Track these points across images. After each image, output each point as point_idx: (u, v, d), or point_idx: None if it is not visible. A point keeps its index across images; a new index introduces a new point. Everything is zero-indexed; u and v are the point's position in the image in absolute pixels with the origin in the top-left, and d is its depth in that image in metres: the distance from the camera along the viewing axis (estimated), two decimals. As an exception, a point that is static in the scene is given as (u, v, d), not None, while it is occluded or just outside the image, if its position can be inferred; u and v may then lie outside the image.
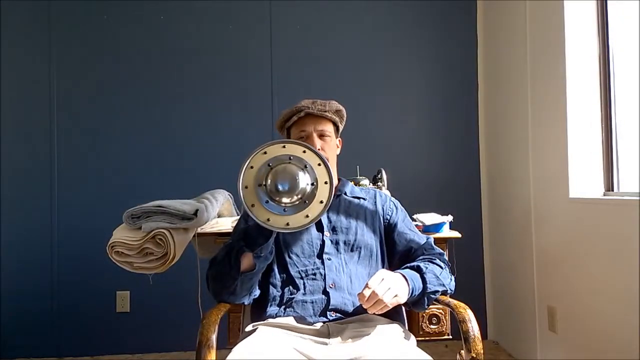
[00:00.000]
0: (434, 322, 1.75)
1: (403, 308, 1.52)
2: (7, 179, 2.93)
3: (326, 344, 1.32)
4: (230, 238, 1.55)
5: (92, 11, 3.01)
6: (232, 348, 1.26)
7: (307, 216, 1.30)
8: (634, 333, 1.81)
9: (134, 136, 3.00)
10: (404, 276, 1.34)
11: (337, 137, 1.64)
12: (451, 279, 1.46)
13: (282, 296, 1.44)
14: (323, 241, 1.50)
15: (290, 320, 1.39)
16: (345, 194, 1.61)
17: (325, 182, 1.32)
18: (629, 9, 2.09)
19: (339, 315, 1.40)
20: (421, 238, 1.56)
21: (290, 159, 1.32)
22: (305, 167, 1.32)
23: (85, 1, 3.00)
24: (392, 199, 1.67)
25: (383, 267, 1.53)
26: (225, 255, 1.39)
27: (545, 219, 2.45)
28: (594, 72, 2.23)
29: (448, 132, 3.13)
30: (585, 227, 2.13)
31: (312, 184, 1.31)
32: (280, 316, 1.41)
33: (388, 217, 1.59)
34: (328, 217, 1.54)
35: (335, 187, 1.57)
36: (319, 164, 1.33)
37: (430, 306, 1.47)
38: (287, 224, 1.29)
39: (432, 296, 1.39)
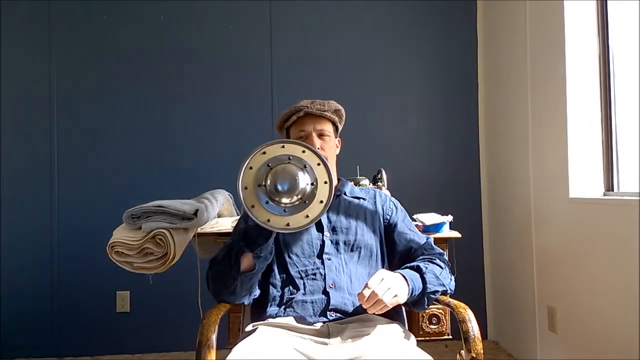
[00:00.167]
0: (434, 322, 1.75)
1: (403, 308, 1.52)
2: (7, 179, 2.93)
3: (326, 344, 1.32)
4: (230, 238, 1.55)
5: (92, 11, 3.01)
6: (232, 348, 1.26)
7: (308, 216, 1.29)
8: (634, 333, 1.81)
9: (134, 136, 3.01)
10: (403, 276, 1.34)
11: (336, 137, 1.64)
12: (451, 279, 1.46)
13: (282, 296, 1.44)
14: (323, 241, 1.50)
15: (290, 320, 1.39)
16: (345, 194, 1.61)
17: (325, 182, 1.31)
18: (629, 9, 2.09)
19: (338, 315, 1.40)
20: (421, 238, 1.56)
21: (289, 159, 1.31)
22: (305, 167, 1.31)
23: (85, 1, 3.01)
24: (392, 199, 1.67)
25: (383, 267, 1.53)
26: (225, 256, 1.39)
27: (545, 219, 2.45)
28: (594, 72, 2.23)
29: (448, 132, 3.13)
30: (585, 227, 2.13)
31: (312, 184, 1.31)
32: (280, 316, 1.41)
33: (388, 217, 1.59)
34: (328, 217, 1.54)
35: (335, 187, 1.57)
36: (319, 164, 1.32)
37: (430, 306, 1.47)
38: (288, 225, 1.29)
39: (432, 296, 1.39)
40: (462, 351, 1.31)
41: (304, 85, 3.05)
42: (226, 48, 3.06)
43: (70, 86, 2.99)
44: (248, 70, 3.06)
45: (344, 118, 1.65)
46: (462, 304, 1.38)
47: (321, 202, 1.31)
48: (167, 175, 2.98)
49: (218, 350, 1.27)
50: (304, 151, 1.33)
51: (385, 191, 1.95)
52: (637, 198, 1.83)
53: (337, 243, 1.50)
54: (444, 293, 1.42)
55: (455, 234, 1.87)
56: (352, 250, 1.50)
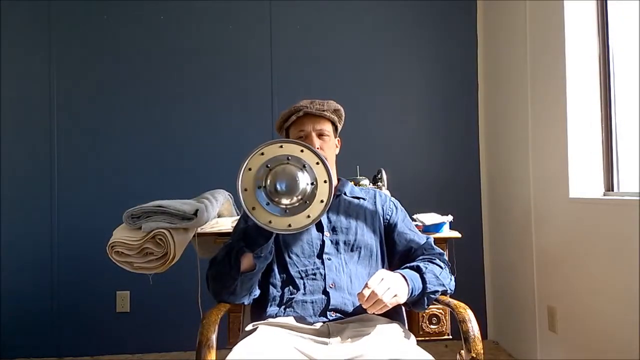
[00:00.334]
0: (434, 322, 1.75)
1: (403, 308, 1.52)
2: (7, 179, 2.93)
3: (326, 343, 1.32)
4: (230, 238, 1.55)
5: (92, 11, 3.01)
6: (232, 348, 1.26)
7: (309, 216, 1.29)
8: (634, 333, 1.81)
9: (134, 136, 3.01)
10: (403, 276, 1.34)
11: (335, 137, 1.64)
12: (451, 279, 1.46)
13: (282, 296, 1.44)
14: (323, 241, 1.50)
15: (290, 320, 1.39)
16: (345, 194, 1.61)
17: (325, 181, 1.31)
18: (629, 9, 2.09)
19: (338, 315, 1.40)
20: (421, 238, 1.56)
21: (288, 159, 1.30)
22: (304, 166, 1.31)
23: (85, 1, 3.01)
24: (392, 199, 1.67)
25: (383, 267, 1.53)
26: (225, 256, 1.39)
27: (545, 219, 2.45)
28: (594, 72, 2.23)
29: (448, 132, 3.13)
30: (585, 227, 2.13)
31: (312, 184, 1.30)
32: (280, 316, 1.41)
33: (388, 217, 1.59)
34: (328, 218, 1.53)
35: (335, 187, 1.57)
36: (317, 163, 1.32)
37: (430, 306, 1.47)
38: (289, 226, 1.28)
39: (432, 296, 1.39)
40: (462, 351, 1.31)
41: (304, 85, 3.05)
42: (226, 48, 3.06)
43: (70, 86, 2.99)
44: (248, 70, 3.06)
45: (343, 118, 1.65)
46: (462, 304, 1.38)
47: (322, 201, 1.30)
48: (167, 175, 2.98)
49: (218, 350, 1.27)
50: (302, 150, 1.32)
51: (385, 191, 1.95)
52: (637, 198, 1.83)
53: (337, 243, 1.50)
54: (444, 293, 1.42)
55: (455, 234, 1.87)
56: (352, 250, 1.50)
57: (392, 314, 1.43)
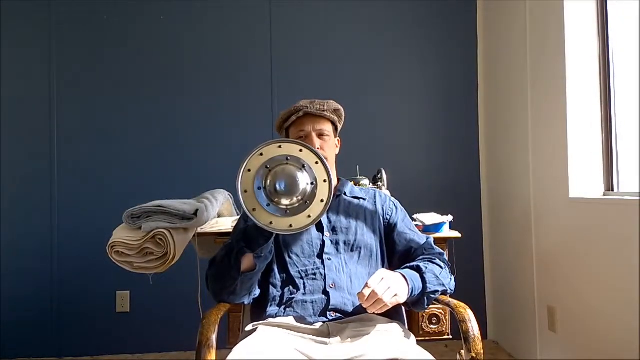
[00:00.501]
0: (434, 322, 1.75)
1: (403, 308, 1.52)
2: (7, 178, 2.93)
3: (326, 343, 1.32)
4: (230, 238, 1.54)
5: (92, 11, 3.01)
6: (232, 348, 1.26)
7: (309, 216, 1.29)
8: (634, 333, 1.81)
9: (134, 136, 3.01)
10: (403, 276, 1.34)
11: (335, 137, 1.64)
12: (451, 279, 1.46)
13: (282, 296, 1.44)
14: (323, 241, 1.50)
15: (290, 320, 1.39)
16: (345, 194, 1.61)
17: (325, 180, 1.31)
18: (629, 9, 2.09)
19: (338, 315, 1.40)
20: (421, 238, 1.56)
21: (287, 159, 1.30)
22: (304, 166, 1.31)
23: (85, 1, 3.00)
24: (392, 198, 1.67)
25: (383, 267, 1.53)
26: (225, 256, 1.39)
27: (545, 219, 2.45)
28: (594, 72, 2.23)
29: (448, 132, 3.13)
30: (585, 227, 2.13)
31: (312, 183, 1.30)
32: (280, 316, 1.41)
33: (388, 217, 1.59)
34: (328, 218, 1.53)
35: (335, 187, 1.57)
36: (317, 162, 1.32)
37: (430, 306, 1.47)
38: (290, 226, 1.28)
39: (432, 296, 1.39)
40: (462, 351, 1.31)
41: (304, 85, 3.05)
42: (226, 48, 3.06)
43: (70, 86, 2.99)
44: (248, 70, 3.06)
45: (343, 118, 1.65)
46: (462, 304, 1.38)
47: (322, 201, 1.30)
48: (167, 175, 2.98)
49: (218, 350, 1.27)
50: (301, 150, 1.32)
51: (385, 191, 1.95)
52: (637, 198, 1.83)
53: (337, 243, 1.50)
54: (444, 293, 1.42)
55: (455, 234, 1.87)
56: (352, 250, 1.50)
57: (392, 314, 1.43)
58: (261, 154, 1.30)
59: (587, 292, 2.11)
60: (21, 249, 2.92)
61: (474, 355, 1.26)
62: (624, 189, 2.15)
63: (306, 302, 1.41)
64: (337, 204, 1.57)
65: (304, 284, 1.44)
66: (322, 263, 1.46)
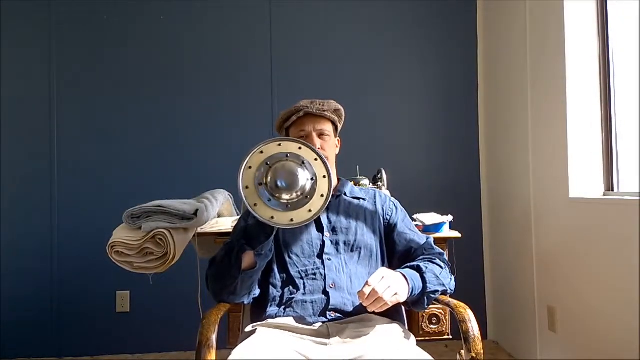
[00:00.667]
0: (434, 322, 1.75)
1: (403, 308, 1.52)
2: (7, 178, 2.93)
3: (326, 344, 1.32)
4: (230, 237, 1.55)
5: (92, 11, 3.01)
6: (232, 348, 1.27)
7: (310, 210, 1.31)
8: (634, 333, 1.81)
9: (134, 136, 3.01)
10: (403, 275, 1.34)
11: (336, 137, 1.64)
12: (451, 279, 1.46)
13: (282, 296, 1.44)
14: (323, 242, 1.50)
15: (289, 321, 1.39)
16: (345, 194, 1.61)
17: (324, 176, 1.33)
18: (629, 9, 2.09)
19: (338, 315, 1.40)
20: (421, 238, 1.56)
21: (287, 156, 1.33)
22: (303, 162, 1.33)
23: (85, 1, 3.00)
24: (392, 199, 1.67)
25: (383, 267, 1.53)
26: (225, 255, 1.39)
27: (545, 219, 2.45)
28: (594, 72, 2.23)
29: (448, 132, 3.13)
30: (585, 227, 2.13)
31: (312, 179, 1.32)
32: (280, 316, 1.41)
33: (388, 217, 1.59)
34: (328, 218, 1.54)
35: (335, 188, 1.57)
36: (316, 159, 1.34)
37: (430, 306, 1.47)
38: (292, 220, 1.30)
39: (432, 296, 1.39)
40: (462, 351, 1.31)
41: (304, 85, 3.05)
42: (226, 48, 3.06)
43: (70, 86, 2.99)
44: (248, 70, 3.06)
45: (343, 117, 1.65)
46: (462, 304, 1.38)
47: (322, 195, 1.32)
48: (167, 175, 2.98)
49: (218, 350, 1.27)
50: (300, 148, 1.35)
51: (385, 191, 1.95)
52: (637, 198, 1.83)
53: (337, 243, 1.50)
54: (444, 293, 1.42)
55: (455, 234, 1.87)
56: (352, 251, 1.50)
57: (392, 314, 1.43)
58: (261, 152, 1.33)
59: (587, 292, 2.11)
60: (21, 249, 2.92)
61: (474, 355, 1.26)
62: (624, 189, 2.15)
63: (306, 302, 1.41)
64: (337, 204, 1.57)
65: (304, 284, 1.44)
66: (322, 263, 1.46)
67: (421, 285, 1.36)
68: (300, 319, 1.39)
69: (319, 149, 1.46)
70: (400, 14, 3.13)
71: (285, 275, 1.47)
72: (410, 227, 1.60)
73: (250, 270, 1.37)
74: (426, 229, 1.83)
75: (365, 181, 2.03)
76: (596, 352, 2.03)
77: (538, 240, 2.51)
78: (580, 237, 2.17)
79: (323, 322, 1.39)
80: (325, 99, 1.61)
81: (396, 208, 1.62)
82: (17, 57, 2.97)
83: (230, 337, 1.71)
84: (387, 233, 1.57)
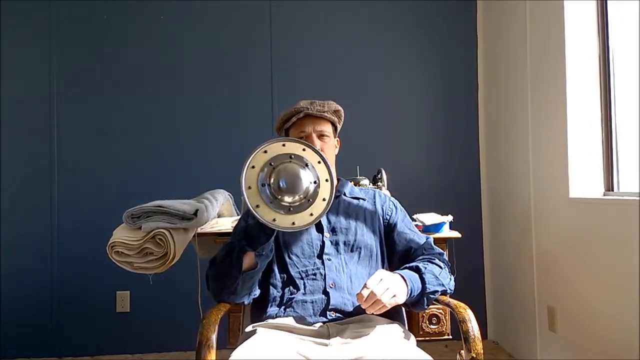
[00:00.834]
0: (434, 322, 1.75)
1: (403, 308, 1.52)
2: (7, 178, 2.93)
3: (326, 344, 1.32)
4: (230, 238, 1.55)
5: (92, 11, 3.01)
6: (232, 348, 1.27)
7: (312, 214, 1.30)
8: (634, 333, 1.81)
9: (134, 136, 3.01)
10: (402, 277, 1.34)
11: (335, 137, 1.64)
12: (451, 279, 1.46)
13: (282, 296, 1.44)
14: (323, 242, 1.50)
15: (289, 321, 1.39)
16: (345, 194, 1.61)
17: (327, 180, 1.33)
18: (629, 9, 2.09)
19: (338, 315, 1.40)
20: (421, 238, 1.56)
21: (291, 157, 1.32)
22: (307, 165, 1.32)
23: (85, 1, 3.00)
24: (392, 198, 1.67)
25: (383, 267, 1.53)
26: (226, 255, 1.39)
27: (545, 219, 2.45)
28: (594, 72, 2.23)
29: (448, 132, 3.13)
30: (585, 227, 2.13)
31: (315, 182, 1.32)
32: (280, 316, 1.41)
33: (387, 217, 1.59)
34: (328, 218, 1.53)
35: (335, 188, 1.57)
36: (319, 162, 1.34)
37: (430, 306, 1.47)
38: (293, 223, 1.29)
39: (432, 296, 1.39)
40: (462, 351, 1.31)
41: (304, 85, 3.05)
42: (226, 48, 3.06)
43: (70, 86, 2.99)
44: (248, 70, 3.06)
45: (342, 118, 1.65)
46: (462, 304, 1.38)
47: (324, 199, 1.32)
48: (167, 175, 2.98)
49: (218, 350, 1.27)
50: (304, 149, 1.34)
51: (385, 191, 1.95)
52: (637, 198, 1.83)
53: (337, 244, 1.50)
54: (444, 293, 1.42)
55: (455, 234, 1.87)
56: (352, 251, 1.50)
57: (392, 314, 1.43)
58: (265, 152, 1.32)
59: (587, 292, 2.11)
60: (21, 249, 2.92)
61: (474, 356, 1.26)
62: (624, 189, 2.15)
63: (306, 302, 1.41)
64: (337, 204, 1.57)
65: (304, 284, 1.44)
66: (322, 263, 1.46)
67: (420, 286, 1.36)
68: (300, 319, 1.39)
69: (319, 149, 1.46)
70: (400, 14, 3.13)
71: (285, 275, 1.47)
72: (410, 226, 1.60)
73: (251, 270, 1.37)
74: (426, 229, 1.83)
75: (365, 181, 2.03)
76: (596, 352, 2.03)
77: (538, 240, 2.51)
78: (580, 237, 2.17)
79: (323, 322, 1.39)
80: (325, 100, 1.60)
81: (396, 208, 1.62)
82: (17, 57, 2.97)
83: (230, 337, 1.71)
84: (387, 233, 1.57)
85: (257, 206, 1.29)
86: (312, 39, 3.11)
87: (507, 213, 2.90)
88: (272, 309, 1.43)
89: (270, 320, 1.40)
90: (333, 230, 1.52)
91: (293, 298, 1.42)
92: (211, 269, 1.43)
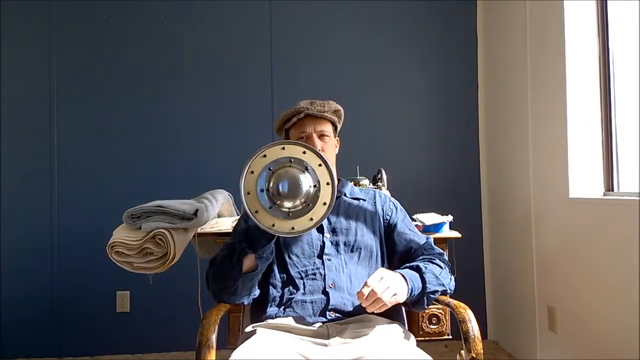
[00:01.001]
0: (434, 322, 1.75)
1: (403, 308, 1.52)
2: (7, 178, 2.93)
3: (326, 344, 1.32)
4: (230, 238, 1.55)
5: (92, 11, 3.01)
6: (232, 348, 1.27)
7: (312, 219, 1.30)
8: (634, 333, 1.81)
9: (133, 136, 3.01)
10: (403, 275, 1.34)
11: (335, 137, 1.64)
12: (451, 279, 1.46)
13: (282, 296, 1.44)
14: (323, 242, 1.50)
15: (289, 321, 1.39)
16: (345, 195, 1.61)
17: (327, 183, 1.32)
18: (629, 9, 2.09)
19: (338, 315, 1.40)
20: (421, 238, 1.56)
21: (290, 161, 1.31)
22: (307, 168, 1.31)
23: (85, 1, 3.00)
24: (392, 199, 1.67)
25: (383, 268, 1.53)
26: (226, 256, 1.39)
27: (545, 219, 2.45)
28: (594, 72, 2.23)
29: (448, 132, 3.13)
30: (585, 227, 2.13)
31: (315, 186, 1.31)
32: (279, 317, 1.41)
33: (388, 218, 1.59)
34: (328, 219, 1.53)
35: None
36: (320, 165, 1.32)
37: (430, 306, 1.47)
38: (293, 229, 1.29)
39: (432, 296, 1.39)
40: (462, 351, 1.31)
41: (304, 85, 3.05)
42: (226, 48, 3.06)
43: (70, 86, 2.99)
44: (248, 70, 3.06)
45: (342, 118, 1.65)
46: (462, 304, 1.38)
47: (324, 203, 1.31)
48: (167, 176, 2.98)
49: (218, 350, 1.27)
50: (304, 152, 1.32)
51: (385, 191, 1.95)
52: (637, 198, 1.83)
53: (337, 244, 1.50)
54: (444, 293, 1.42)
55: (455, 234, 1.87)
56: (352, 251, 1.50)
57: (392, 314, 1.43)
58: (264, 156, 1.31)
59: (587, 292, 2.11)
60: (21, 249, 2.92)
61: (474, 356, 1.26)
62: (624, 189, 2.15)
63: (306, 302, 1.41)
64: (337, 205, 1.56)
65: (304, 284, 1.44)
66: (322, 263, 1.46)
67: (420, 285, 1.36)
68: (300, 319, 1.39)
69: (319, 150, 1.46)
70: (400, 14, 3.13)
71: (285, 275, 1.47)
72: (410, 227, 1.60)
73: (251, 272, 1.37)
74: (426, 229, 1.83)
75: (365, 181, 2.03)
76: (596, 352, 2.03)
77: (538, 240, 2.51)
78: (580, 237, 2.17)
79: (323, 322, 1.39)
80: (325, 100, 1.60)
81: (396, 208, 1.62)
82: (17, 57, 2.97)
83: (230, 337, 1.71)
84: (387, 233, 1.57)
85: (256, 212, 1.28)
86: (312, 39, 3.11)
87: (507, 213, 2.90)
88: (271, 309, 1.43)
89: (269, 321, 1.40)
90: (333, 231, 1.52)
91: (293, 298, 1.42)
92: (211, 269, 1.43)
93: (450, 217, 1.88)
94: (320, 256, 1.48)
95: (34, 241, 2.93)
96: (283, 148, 1.32)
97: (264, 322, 1.41)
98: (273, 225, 1.28)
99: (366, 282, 1.26)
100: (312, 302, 1.41)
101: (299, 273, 1.46)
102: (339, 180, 1.64)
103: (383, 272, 1.31)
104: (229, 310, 1.45)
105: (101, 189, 2.97)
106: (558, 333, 2.33)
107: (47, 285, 2.91)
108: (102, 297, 2.94)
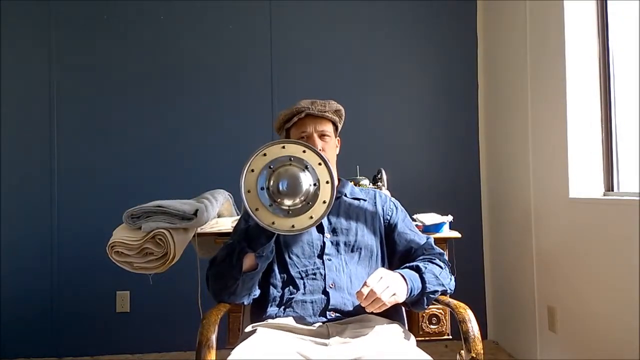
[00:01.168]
0: (434, 322, 1.75)
1: (403, 308, 1.52)
2: (7, 178, 2.93)
3: (326, 344, 1.32)
4: (231, 238, 1.55)
5: (92, 11, 3.00)
6: (232, 348, 1.27)
7: (312, 217, 1.30)
8: (634, 333, 1.81)
9: (134, 136, 3.01)
10: (402, 275, 1.34)
11: (336, 137, 1.64)
12: (451, 279, 1.46)
13: (282, 296, 1.44)
14: (324, 242, 1.50)
15: (289, 321, 1.39)
16: (346, 195, 1.61)
17: (327, 182, 1.32)
18: (629, 9, 2.09)
19: (338, 315, 1.40)
20: (421, 238, 1.56)
21: (290, 160, 1.32)
22: (307, 167, 1.32)
23: (85, 1, 3.00)
24: (392, 199, 1.67)
25: (383, 268, 1.53)
26: (226, 256, 1.39)
27: (545, 219, 2.45)
28: (594, 72, 2.23)
29: (448, 132, 3.13)
30: (585, 227, 2.13)
31: (315, 185, 1.31)
32: (279, 316, 1.41)
33: (388, 218, 1.59)
34: (328, 219, 1.53)
35: (336, 189, 1.57)
36: (320, 164, 1.33)
37: (430, 306, 1.47)
38: (293, 226, 1.30)
39: (432, 296, 1.39)
40: (462, 351, 1.31)
41: (304, 85, 3.05)
42: (226, 48, 3.06)
43: (70, 86, 2.99)
44: (248, 70, 3.06)
45: (343, 118, 1.65)
46: (462, 304, 1.38)
47: (324, 202, 1.32)
48: (167, 175, 2.98)
49: (218, 350, 1.27)
50: (304, 151, 1.33)
51: (385, 191, 1.95)
52: (637, 198, 1.83)
53: (337, 244, 1.50)
54: (444, 293, 1.42)
55: (455, 234, 1.87)
56: (352, 251, 1.50)
57: (392, 314, 1.43)
58: (264, 155, 1.32)
59: (587, 292, 2.11)
60: (21, 249, 2.92)
61: (474, 356, 1.26)
62: (624, 189, 2.15)
63: (306, 302, 1.41)
64: (338, 205, 1.56)
65: (304, 284, 1.44)
66: (322, 263, 1.46)
67: (420, 285, 1.36)
68: (300, 319, 1.39)
69: (320, 150, 1.46)
70: (400, 14, 3.13)
71: (285, 275, 1.47)
72: (410, 227, 1.60)
73: (251, 272, 1.37)
74: (426, 229, 1.83)
75: (365, 181, 2.03)
76: (596, 352, 2.03)
77: (538, 240, 2.51)
78: (580, 237, 2.17)
79: (323, 322, 1.39)
80: (326, 99, 1.60)
81: (396, 208, 1.62)
82: (17, 57, 2.97)
83: (230, 337, 1.70)
84: (387, 233, 1.57)
85: (257, 209, 1.29)
86: (312, 39, 3.11)
87: (507, 213, 2.90)
88: (271, 309, 1.43)
89: (270, 320, 1.40)
90: (334, 231, 1.52)
91: (293, 298, 1.42)
92: (211, 269, 1.43)
93: (450, 217, 1.88)
94: (320, 256, 1.48)
95: (34, 241, 2.93)
96: (283, 147, 1.33)
97: (264, 322, 1.41)
98: (273, 223, 1.29)
99: (365, 282, 1.26)
100: (312, 302, 1.41)
101: (299, 273, 1.46)
102: (339, 180, 1.65)
103: (382, 272, 1.31)
104: (229, 310, 1.45)
105: (101, 189, 2.97)
106: (558, 333, 2.33)
107: (47, 285, 2.91)
108: (102, 297, 2.94)
